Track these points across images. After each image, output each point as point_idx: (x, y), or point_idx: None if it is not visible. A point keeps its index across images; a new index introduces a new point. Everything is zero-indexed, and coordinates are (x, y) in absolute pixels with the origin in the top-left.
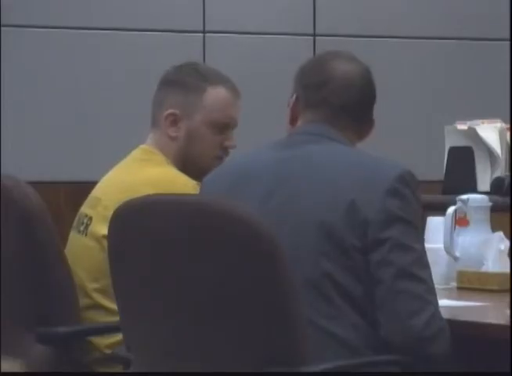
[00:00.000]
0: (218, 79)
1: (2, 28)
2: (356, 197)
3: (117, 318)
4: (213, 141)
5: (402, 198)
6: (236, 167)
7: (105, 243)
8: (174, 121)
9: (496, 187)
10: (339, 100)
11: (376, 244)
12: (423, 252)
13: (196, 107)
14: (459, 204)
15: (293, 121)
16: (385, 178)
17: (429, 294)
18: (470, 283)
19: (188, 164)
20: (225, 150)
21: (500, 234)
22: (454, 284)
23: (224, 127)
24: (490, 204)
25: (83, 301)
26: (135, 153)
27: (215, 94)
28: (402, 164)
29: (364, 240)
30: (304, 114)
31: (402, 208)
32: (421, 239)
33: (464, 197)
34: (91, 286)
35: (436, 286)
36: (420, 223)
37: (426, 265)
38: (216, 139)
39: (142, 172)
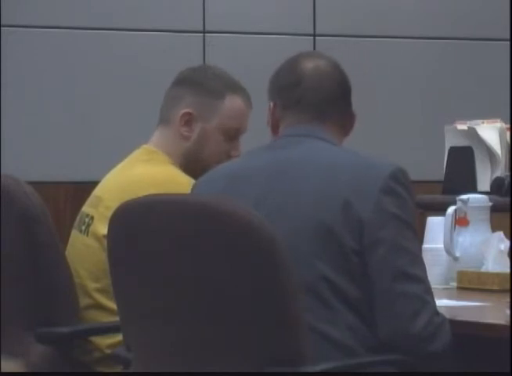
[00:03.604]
0: (237, 87)
1: (2, 28)
2: (350, 196)
3: (118, 318)
4: (221, 147)
5: (396, 196)
6: (228, 171)
7: (106, 242)
8: (189, 120)
9: (496, 187)
10: (315, 96)
11: (373, 244)
12: (419, 251)
13: (213, 111)
14: (459, 204)
15: (275, 129)
16: (378, 176)
17: (427, 293)
18: (470, 283)
19: (191, 165)
20: (229, 158)
21: (500, 234)
22: (454, 284)
23: (234, 136)
24: (490, 204)
25: (84, 301)
26: (138, 153)
27: (233, 102)
28: (394, 162)
29: (360, 241)
30: (284, 118)
31: (398, 206)
32: (417, 237)
33: (464, 197)
34: (92, 285)
35: (436, 286)
36: (414, 221)
37: (422, 265)
38: (224, 146)
39: (144, 172)
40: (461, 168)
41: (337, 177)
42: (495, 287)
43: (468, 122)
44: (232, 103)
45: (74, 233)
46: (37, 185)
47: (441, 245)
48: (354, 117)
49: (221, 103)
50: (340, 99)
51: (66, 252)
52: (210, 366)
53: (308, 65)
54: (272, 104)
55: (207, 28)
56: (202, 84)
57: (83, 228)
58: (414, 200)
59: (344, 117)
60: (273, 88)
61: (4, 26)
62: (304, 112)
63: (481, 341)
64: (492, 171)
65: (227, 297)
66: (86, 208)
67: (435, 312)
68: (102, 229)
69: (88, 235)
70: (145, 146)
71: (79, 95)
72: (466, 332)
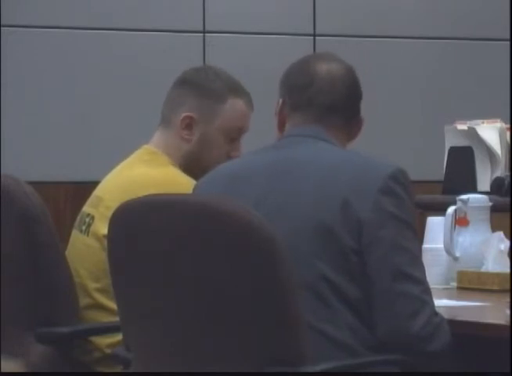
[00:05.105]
0: (239, 89)
1: (2, 28)
2: (349, 196)
3: (118, 318)
4: (222, 149)
5: (395, 196)
6: (228, 171)
7: (106, 242)
8: (190, 124)
9: (496, 187)
10: (325, 99)
11: (372, 244)
12: (418, 251)
13: (215, 114)
14: (459, 204)
15: (281, 126)
16: (378, 176)
17: (425, 294)
18: (470, 283)
19: (191, 166)
20: (229, 158)
21: (500, 234)
22: (454, 284)
23: (235, 137)
24: (490, 204)
25: (84, 301)
26: (138, 153)
27: (234, 104)
28: (394, 162)
29: (359, 241)
30: (291, 118)
31: (397, 206)
32: (416, 237)
33: (464, 197)
34: (92, 285)
35: (436, 286)
36: (414, 221)
37: (421, 265)
38: (225, 148)
39: (144, 172)
40: (461, 168)
41: (338, 177)
42: (495, 287)
43: (468, 122)
44: (233, 105)
45: (75, 232)
46: (37, 185)
47: (441, 245)
48: (361, 122)
49: (223, 106)
50: (348, 103)
51: (67, 252)
52: (210, 366)
53: (322, 67)
54: (281, 101)
55: (207, 28)
56: (204, 86)
57: (83, 228)
58: (413, 201)
59: (350, 121)
60: (284, 86)
61: (4, 26)
62: (311, 113)
63: (481, 341)
64: (492, 171)
65: (227, 297)
66: (86, 208)
67: (434, 312)
68: (102, 229)
69: (88, 235)
70: (145, 146)
71: (79, 95)
72: (466, 332)
